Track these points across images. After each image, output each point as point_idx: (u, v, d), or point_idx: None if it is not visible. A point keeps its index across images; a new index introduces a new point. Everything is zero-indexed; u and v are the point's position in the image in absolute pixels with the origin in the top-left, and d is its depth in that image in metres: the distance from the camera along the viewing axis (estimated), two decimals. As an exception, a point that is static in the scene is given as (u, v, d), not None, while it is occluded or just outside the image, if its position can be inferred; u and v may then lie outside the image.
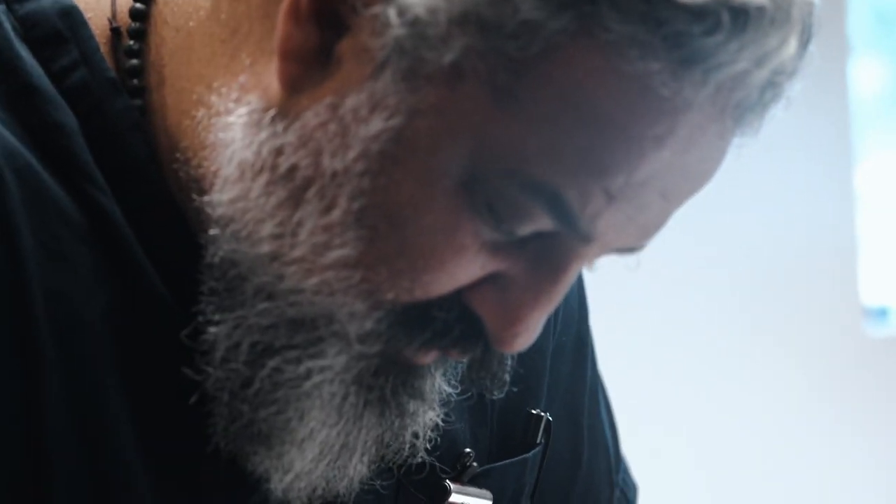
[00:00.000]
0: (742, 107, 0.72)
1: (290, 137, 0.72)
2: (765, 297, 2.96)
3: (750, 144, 0.76)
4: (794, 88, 0.73)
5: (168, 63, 0.78)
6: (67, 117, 0.75)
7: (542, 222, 0.72)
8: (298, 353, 0.74)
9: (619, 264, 0.81)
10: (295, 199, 0.72)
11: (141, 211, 0.76)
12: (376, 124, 0.70)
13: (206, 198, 0.74)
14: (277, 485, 0.77)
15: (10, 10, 0.77)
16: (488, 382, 0.81)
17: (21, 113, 0.74)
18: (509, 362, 0.81)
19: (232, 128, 0.73)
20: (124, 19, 0.79)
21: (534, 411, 0.92)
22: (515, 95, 0.69)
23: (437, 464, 0.85)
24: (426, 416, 0.80)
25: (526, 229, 0.72)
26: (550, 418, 0.92)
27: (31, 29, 0.77)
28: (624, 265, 0.81)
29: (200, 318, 0.74)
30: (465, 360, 0.79)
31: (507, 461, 0.91)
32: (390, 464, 0.82)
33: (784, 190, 2.96)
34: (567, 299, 0.94)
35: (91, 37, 0.77)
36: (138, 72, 0.78)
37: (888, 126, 3.24)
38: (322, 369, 0.74)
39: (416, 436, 0.80)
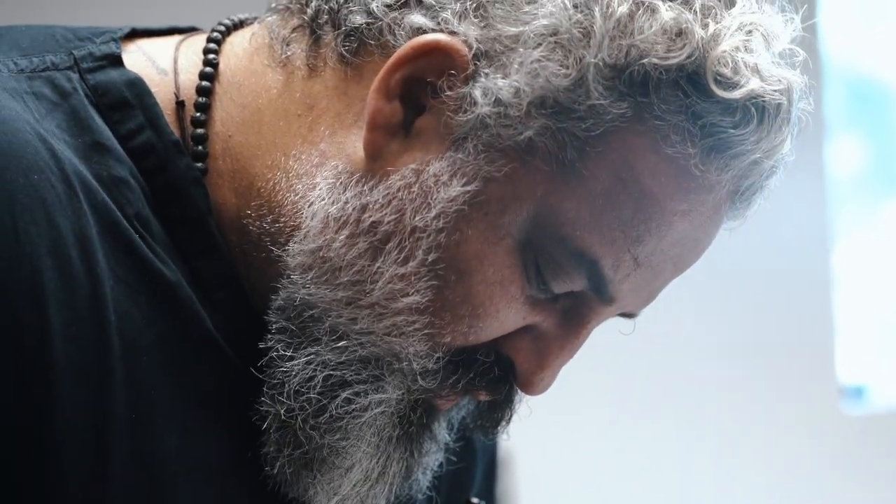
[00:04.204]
0: (746, 192, 0.87)
1: (376, 196, 0.84)
2: (742, 375, 2.97)
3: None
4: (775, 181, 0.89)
5: (235, 134, 0.89)
6: (130, 173, 0.86)
7: (577, 284, 0.85)
8: (366, 387, 0.86)
9: (603, 349, 0.92)
10: (374, 251, 0.84)
11: (197, 257, 0.87)
12: (455, 188, 0.83)
13: (289, 246, 0.86)
14: None
15: (82, 79, 0.87)
16: (490, 426, 0.94)
17: (93, 164, 0.84)
18: (513, 414, 0.93)
19: (317, 187, 0.85)
20: (188, 94, 0.90)
21: (474, 500, 1.04)
22: (578, 171, 0.83)
23: None
24: (434, 457, 0.92)
25: (563, 289, 0.86)
26: None
27: (102, 96, 0.87)
28: (619, 330, 0.94)
29: (274, 354, 0.86)
30: (484, 401, 0.92)
31: None
32: (400, 497, 0.93)
33: (762, 268, 2.97)
34: None
35: (156, 104, 0.88)
36: (203, 140, 0.89)
37: (865, 205, 3.27)
38: (380, 402, 0.86)
39: (423, 473, 0.92)
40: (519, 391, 0.91)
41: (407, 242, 0.84)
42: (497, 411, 0.93)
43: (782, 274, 3.00)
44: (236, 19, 0.95)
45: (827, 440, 3.01)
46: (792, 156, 0.88)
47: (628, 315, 0.92)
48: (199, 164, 0.89)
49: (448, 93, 0.84)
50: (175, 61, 0.91)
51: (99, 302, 0.81)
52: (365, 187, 0.85)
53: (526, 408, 0.93)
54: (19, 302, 0.77)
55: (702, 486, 2.96)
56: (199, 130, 0.89)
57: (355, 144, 0.86)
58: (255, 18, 0.95)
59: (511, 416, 0.93)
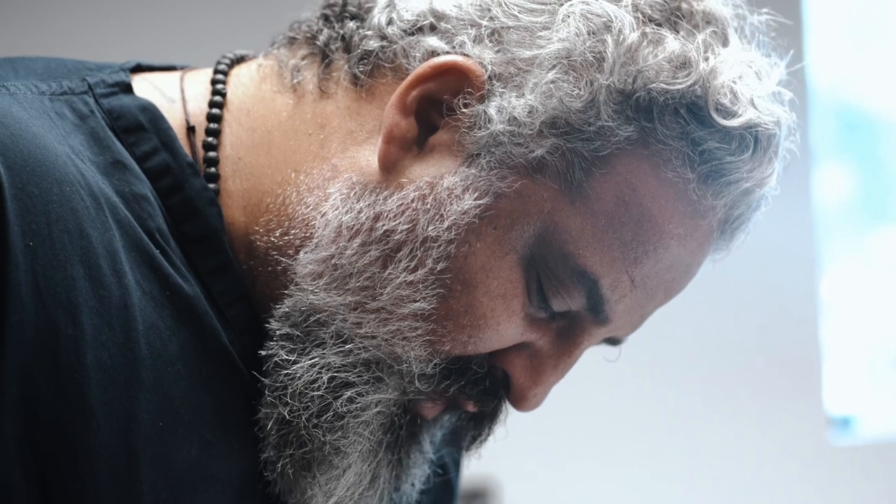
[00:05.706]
0: (735, 222, 0.91)
1: (390, 206, 0.88)
2: (729, 406, 2.96)
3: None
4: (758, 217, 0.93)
5: (244, 156, 0.93)
6: (149, 191, 0.89)
7: (576, 303, 0.89)
8: (367, 388, 0.89)
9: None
10: (385, 258, 0.88)
11: (211, 274, 0.91)
12: (467, 202, 0.87)
13: (299, 256, 0.89)
14: None
15: (97, 103, 0.91)
16: (469, 440, 0.97)
17: (115, 181, 0.88)
18: (491, 433, 0.97)
19: (330, 198, 0.89)
20: (197, 120, 0.94)
21: None
22: (584, 190, 0.87)
23: None
24: (421, 469, 0.95)
25: (561, 307, 0.90)
26: None
27: (117, 119, 0.91)
28: (605, 357, 0.99)
29: (277, 359, 0.89)
30: (467, 415, 0.95)
31: None
32: None
33: (749, 298, 2.96)
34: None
35: (169, 128, 0.92)
36: (215, 162, 0.93)
37: (852, 234, 3.26)
38: (379, 402, 0.89)
39: (412, 485, 0.95)
40: (502, 410, 0.95)
41: (418, 251, 0.87)
42: (478, 427, 0.97)
43: (770, 303, 2.99)
44: (237, 55, 1.00)
45: (814, 471, 3.00)
46: (777, 190, 0.92)
47: (614, 341, 0.96)
48: (212, 185, 0.93)
49: (463, 111, 0.88)
50: (182, 91, 0.96)
51: (128, 312, 0.84)
52: (379, 197, 0.89)
53: (513, 440, 0.95)
54: (55, 307, 0.80)
55: (688, 518, 2.95)
56: (211, 153, 0.93)
57: (368, 158, 0.90)
58: (255, 55, 1.00)
59: (490, 433, 0.97)
